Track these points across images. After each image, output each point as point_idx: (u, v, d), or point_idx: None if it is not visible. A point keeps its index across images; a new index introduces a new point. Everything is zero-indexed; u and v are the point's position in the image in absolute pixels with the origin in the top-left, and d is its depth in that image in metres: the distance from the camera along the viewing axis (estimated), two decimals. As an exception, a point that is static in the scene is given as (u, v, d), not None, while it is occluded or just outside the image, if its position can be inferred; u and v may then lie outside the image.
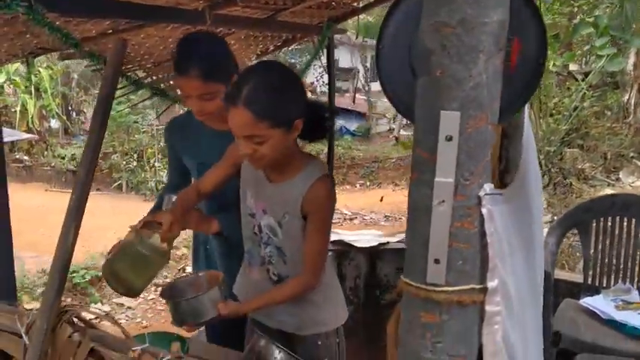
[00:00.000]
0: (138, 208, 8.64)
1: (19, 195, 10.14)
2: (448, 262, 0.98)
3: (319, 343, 1.93)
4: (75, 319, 1.40)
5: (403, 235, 4.39)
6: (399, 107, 1.09)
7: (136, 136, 10.98)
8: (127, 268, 1.64)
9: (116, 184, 10.77)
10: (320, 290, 1.89)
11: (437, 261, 0.96)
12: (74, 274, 5.66)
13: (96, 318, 1.44)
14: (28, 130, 11.58)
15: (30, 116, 11.63)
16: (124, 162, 10.49)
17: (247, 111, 1.53)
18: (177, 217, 1.73)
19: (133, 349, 1.30)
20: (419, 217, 0.99)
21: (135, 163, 10.72)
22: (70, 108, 13.49)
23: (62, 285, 1.41)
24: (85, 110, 13.38)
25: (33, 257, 6.23)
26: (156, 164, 10.70)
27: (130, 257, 1.64)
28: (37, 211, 8.90)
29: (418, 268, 1.02)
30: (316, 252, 1.79)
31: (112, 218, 6.82)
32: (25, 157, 11.76)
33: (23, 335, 1.40)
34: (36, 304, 5.57)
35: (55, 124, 12.86)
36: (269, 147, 1.60)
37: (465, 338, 1.02)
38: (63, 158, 11.36)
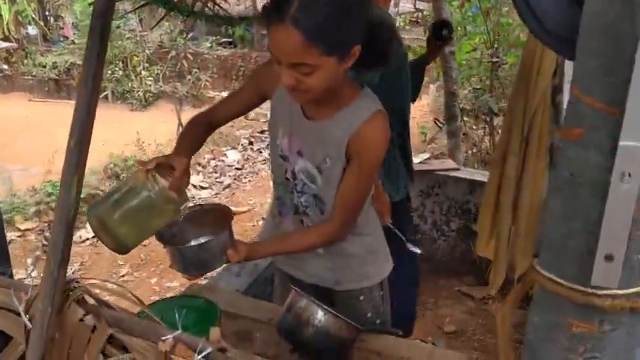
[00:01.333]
0: (125, 118, 8.31)
1: (1, 105, 9.70)
2: (625, 258, 0.71)
3: (361, 298, 1.70)
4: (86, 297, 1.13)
5: (424, 155, 4.13)
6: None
7: (119, 42, 10.33)
8: (128, 216, 1.35)
9: (103, 94, 10.28)
10: (362, 241, 1.63)
11: (609, 257, 0.68)
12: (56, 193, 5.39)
13: (111, 295, 1.17)
14: (5, 39, 10.89)
15: (5, 23, 10.89)
16: (109, 71, 9.93)
17: (296, 31, 1.19)
18: (188, 163, 1.43)
19: (163, 337, 1.04)
20: (576, 193, 0.70)
21: (120, 72, 10.17)
22: (47, 13, 12.66)
23: (67, 254, 1.13)
24: (62, 15, 12.56)
25: (20, 170, 5.97)
26: (142, 72, 10.16)
27: (135, 204, 1.34)
28: (22, 122, 8.54)
29: (572, 261, 0.74)
30: (352, 199, 1.50)
31: (100, 130, 6.44)
32: (5, 67, 11.14)
33: (23, 315, 1.13)
34: (30, 224, 5.32)
35: (32, 30, 12.10)
36: (318, 78, 1.27)
37: (632, 356, 0.77)
38: (44, 67, 10.75)
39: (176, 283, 3.81)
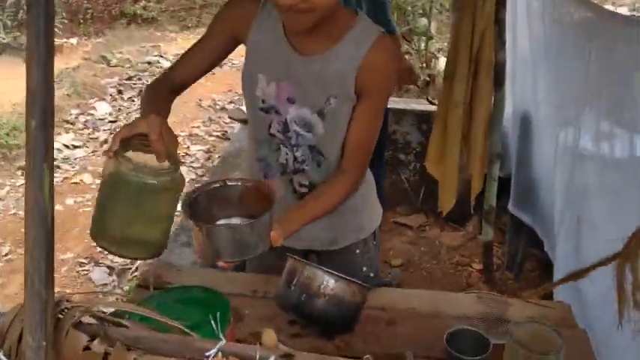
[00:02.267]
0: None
1: None
2: None
3: (357, 252, 1.56)
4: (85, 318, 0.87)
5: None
6: None
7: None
8: (131, 216, 1.07)
9: None
10: (360, 190, 1.46)
11: None
12: None
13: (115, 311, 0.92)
14: None
15: None
16: None
17: None
18: (165, 121, 1.17)
19: (207, 353, 0.82)
20: None
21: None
22: None
23: (52, 268, 0.86)
24: None
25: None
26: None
27: (128, 200, 1.07)
28: None
29: None
30: (368, 142, 1.33)
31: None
32: None
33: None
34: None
35: None
36: None
37: None
38: None
39: (70, 255, 3.39)
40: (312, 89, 1.26)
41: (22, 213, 4.07)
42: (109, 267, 3.23)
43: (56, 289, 0.86)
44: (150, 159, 1.07)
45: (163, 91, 1.30)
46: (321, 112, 1.27)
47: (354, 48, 1.21)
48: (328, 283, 1.33)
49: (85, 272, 3.20)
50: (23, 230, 0.85)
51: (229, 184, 1.31)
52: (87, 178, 4.48)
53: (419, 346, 1.43)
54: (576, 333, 1.48)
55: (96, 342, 0.86)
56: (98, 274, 3.17)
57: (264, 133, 1.35)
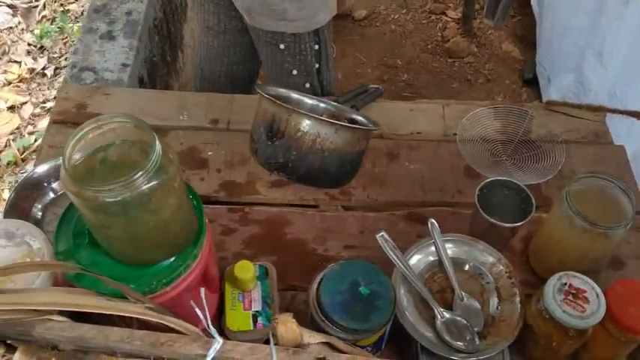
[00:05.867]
0: None
1: None
2: None
3: (282, 47, 1.33)
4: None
5: None
6: None
7: None
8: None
9: None
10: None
11: None
12: None
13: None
14: None
15: None
16: None
17: None
18: None
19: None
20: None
21: None
22: None
23: None
24: None
25: None
26: None
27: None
28: None
29: None
30: None
31: None
32: None
33: None
34: None
35: None
36: None
37: None
38: None
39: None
40: None
41: None
42: (10, 6, 2.64)
43: None
44: None
45: None
46: None
47: None
48: (326, 135, 0.99)
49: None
50: None
51: None
52: None
53: (433, 187, 1.18)
54: (614, 150, 1.24)
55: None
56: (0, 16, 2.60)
57: None
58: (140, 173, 0.62)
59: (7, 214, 1.00)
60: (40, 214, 1.03)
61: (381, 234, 0.95)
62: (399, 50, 2.61)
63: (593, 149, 1.24)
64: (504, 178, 1.04)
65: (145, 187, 0.63)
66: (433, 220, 0.98)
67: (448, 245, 0.98)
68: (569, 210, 0.90)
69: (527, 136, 1.24)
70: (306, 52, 1.33)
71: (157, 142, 0.64)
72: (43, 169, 1.05)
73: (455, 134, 1.24)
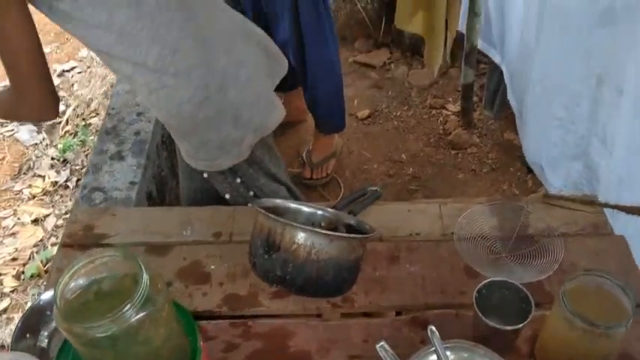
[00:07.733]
0: None
1: None
2: None
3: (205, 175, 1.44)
4: None
5: None
6: None
7: None
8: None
9: None
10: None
11: None
12: None
13: None
14: None
15: None
16: None
17: None
18: None
19: None
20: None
21: None
22: None
23: None
24: None
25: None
26: None
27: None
28: None
29: None
30: None
31: None
32: None
33: None
34: None
35: None
36: None
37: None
38: None
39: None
40: None
41: None
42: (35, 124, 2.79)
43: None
44: None
45: None
46: None
47: None
48: (321, 246, 1.01)
49: (10, 133, 2.77)
50: None
51: None
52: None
53: (434, 289, 1.18)
54: (614, 241, 1.24)
55: None
56: (26, 134, 2.75)
57: None
58: (128, 307, 0.64)
59: (17, 340, 1.04)
60: (46, 341, 1.05)
61: (381, 344, 0.94)
62: (403, 145, 2.67)
63: (593, 241, 1.24)
64: (502, 279, 1.04)
65: (133, 319, 0.65)
66: (433, 328, 0.98)
67: (448, 353, 0.97)
68: (566, 311, 0.90)
69: (526, 231, 1.24)
70: (231, 183, 1.40)
71: (145, 275, 0.67)
72: (48, 296, 1.08)
73: (452, 233, 1.25)
